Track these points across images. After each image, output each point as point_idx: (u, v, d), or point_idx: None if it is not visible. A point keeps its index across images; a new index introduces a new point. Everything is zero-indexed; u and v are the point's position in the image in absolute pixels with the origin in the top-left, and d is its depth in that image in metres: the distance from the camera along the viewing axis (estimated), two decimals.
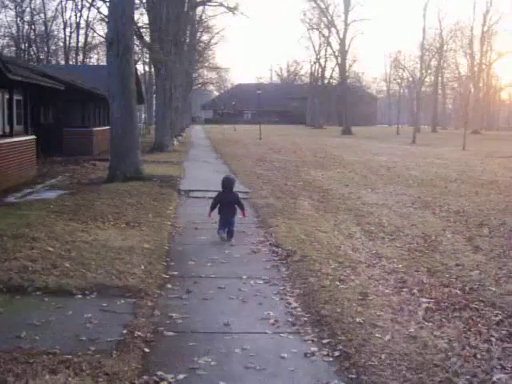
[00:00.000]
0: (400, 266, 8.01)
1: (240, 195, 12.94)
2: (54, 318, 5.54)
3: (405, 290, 6.86)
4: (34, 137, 17.09)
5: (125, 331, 5.24)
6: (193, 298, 6.37)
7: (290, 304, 6.26)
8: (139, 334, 5.19)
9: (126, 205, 11.88)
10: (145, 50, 35.71)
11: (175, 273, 7.34)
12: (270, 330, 5.51)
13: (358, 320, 5.64)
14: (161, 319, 5.68)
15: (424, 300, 6.49)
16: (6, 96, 16.16)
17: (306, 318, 5.83)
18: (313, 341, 5.28)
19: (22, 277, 6.60)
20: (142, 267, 7.21)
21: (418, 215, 12.30)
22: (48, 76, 20.17)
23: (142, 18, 37.10)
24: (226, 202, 9.58)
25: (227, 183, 9.74)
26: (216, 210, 9.65)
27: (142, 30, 30.55)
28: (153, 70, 35.58)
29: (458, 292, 6.86)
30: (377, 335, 5.31)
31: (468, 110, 68.28)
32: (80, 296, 6.22)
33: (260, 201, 13.39)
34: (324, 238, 9.56)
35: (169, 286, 6.78)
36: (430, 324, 5.70)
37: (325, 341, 5.25)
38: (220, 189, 9.87)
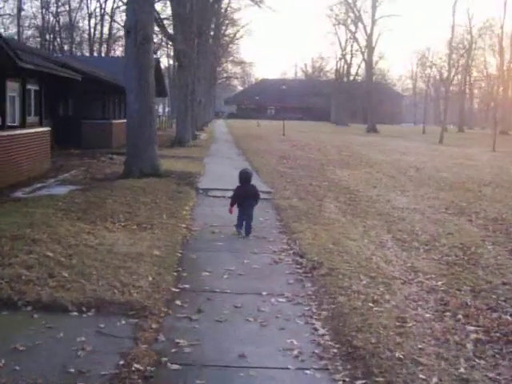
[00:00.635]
0: (439, 283, 7.11)
1: (262, 195, 12.22)
2: (41, 342, 4.75)
3: (448, 314, 5.97)
4: (48, 128, 16.41)
5: (122, 362, 4.43)
6: (204, 319, 5.52)
7: (316, 330, 5.39)
8: (138, 366, 4.36)
9: (140, 203, 11.10)
10: (169, 42, 34.87)
11: (186, 286, 6.50)
12: (293, 364, 4.64)
13: (397, 355, 4.76)
14: (165, 346, 4.84)
15: (471, 328, 5.60)
16: (20, 86, 15.47)
17: (335, 350, 4.96)
18: (344, 381, 4.42)
19: (14, 287, 5.83)
20: (150, 278, 6.39)
21: (454, 222, 11.36)
22: (65, 66, 19.45)
23: (165, 10, 36.32)
24: (246, 195, 9.52)
25: (245, 176, 9.72)
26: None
27: (165, 22, 29.86)
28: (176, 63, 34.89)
29: (510, 318, 5.95)
30: (421, 376, 4.43)
31: (497, 109, 66.54)
32: (76, 313, 5.43)
33: (283, 202, 12.52)
34: (353, 247, 8.67)
35: (178, 302, 5.93)
36: (483, 362, 4.81)
37: (359, 382, 4.38)
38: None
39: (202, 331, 5.23)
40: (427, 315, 5.88)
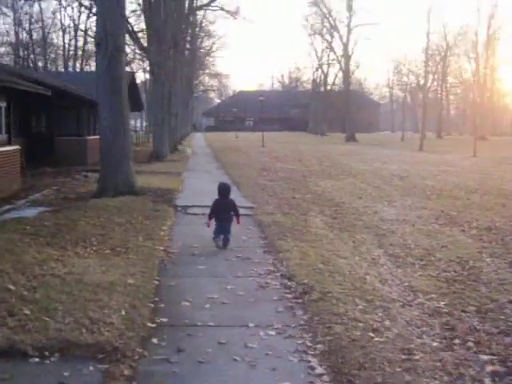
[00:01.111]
0: (442, 303, 6.51)
1: (243, 211, 11.63)
2: None
3: (456, 341, 5.36)
4: (17, 147, 15.63)
5: None
6: (185, 360, 4.83)
7: (313, 369, 4.73)
8: None
9: (114, 225, 10.40)
10: (144, 56, 34.17)
11: (164, 320, 5.80)
12: None
13: None
14: None
15: (485, 358, 5.00)
16: None
17: None
18: None
19: None
20: (123, 312, 5.70)
21: (446, 234, 10.81)
22: (34, 81, 18.69)
23: (138, 22, 35.65)
24: (223, 209, 9.33)
25: (223, 189, 9.54)
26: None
27: (139, 35, 29.22)
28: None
29: None
30: None
31: (474, 115, 66.79)
32: (36, 359, 4.72)
33: (266, 218, 11.87)
34: (344, 265, 8.05)
35: (154, 340, 5.24)
36: None
37: None
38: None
39: (183, 376, 4.55)
40: (434, 344, 5.27)
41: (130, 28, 24.82)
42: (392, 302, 6.52)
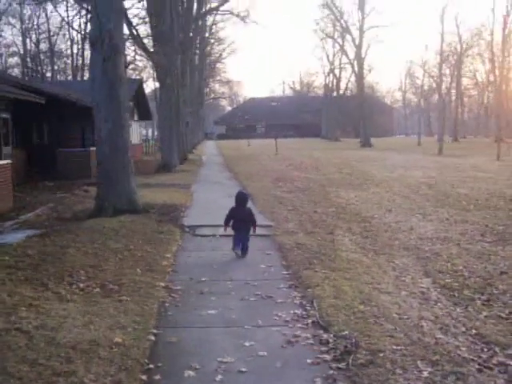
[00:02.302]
0: None
1: (260, 231, 10.11)
2: None
3: None
4: (7, 161, 14.10)
5: None
6: None
7: None
8: None
9: (109, 252, 8.83)
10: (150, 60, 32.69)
11: None
12: None
13: None
14: None
15: None
16: None
17: None
18: None
19: None
20: None
21: (500, 255, 9.15)
22: (27, 89, 17.21)
23: (146, 27, 34.17)
24: (240, 218, 9.16)
25: (241, 198, 9.36)
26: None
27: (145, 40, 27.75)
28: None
29: None
30: None
31: (496, 117, 64.89)
32: None
33: (287, 239, 10.22)
34: (391, 305, 6.42)
35: None
36: None
37: None
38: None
39: None
40: None
41: (135, 31, 23.36)
42: (465, 363, 4.89)
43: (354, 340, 5.24)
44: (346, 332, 5.47)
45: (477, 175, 23.72)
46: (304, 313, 6.23)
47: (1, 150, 14.26)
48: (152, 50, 25.49)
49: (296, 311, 6.28)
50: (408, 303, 6.58)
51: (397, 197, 16.55)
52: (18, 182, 20.99)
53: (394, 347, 5.13)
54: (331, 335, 5.48)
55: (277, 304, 6.57)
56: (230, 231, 9.30)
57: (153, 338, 5.43)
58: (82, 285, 7.15)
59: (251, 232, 9.24)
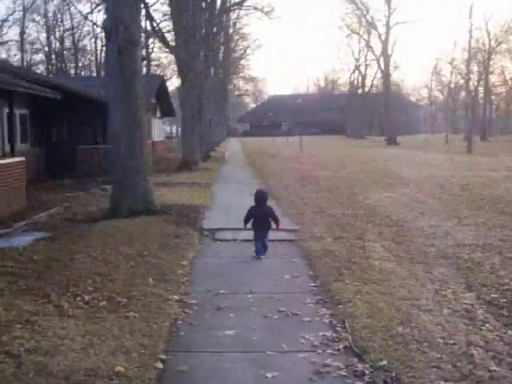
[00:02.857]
0: None
1: (285, 235, 9.40)
2: None
3: None
4: (21, 159, 13.48)
5: None
6: None
7: None
8: None
9: (121, 258, 8.15)
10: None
11: None
12: None
13: None
14: None
15: None
16: None
17: None
18: None
19: None
20: None
21: None
22: (45, 84, 16.63)
23: (168, 21, 33.52)
24: (260, 217, 8.94)
25: (260, 197, 9.10)
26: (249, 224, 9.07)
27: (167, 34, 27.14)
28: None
29: None
30: None
31: None
32: None
33: (314, 245, 9.45)
34: (433, 327, 5.62)
35: None
36: None
37: None
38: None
39: None
40: None
41: (156, 25, 22.69)
42: None
43: (394, 373, 4.46)
44: (385, 362, 4.69)
45: (510, 175, 22.68)
46: (335, 335, 5.46)
47: (13, 146, 13.67)
48: (174, 44, 24.84)
49: (325, 333, 5.51)
50: (452, 324, 5.78)
51: (428, 198, 15.68)
52: (35, 180, 20.52)
53: (443, 383, 4.34)
54: (367, 365, 4.70)
55: (303, 323, 5.81)
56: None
57: (160, 365, 4.69)
58: (87, 297, 6.46)
59: (275, 229, 9.13)
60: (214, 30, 33.46)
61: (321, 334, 5.49)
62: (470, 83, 75.21)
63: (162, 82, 36.30)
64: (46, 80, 19.77)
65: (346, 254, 8.74)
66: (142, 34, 17.39)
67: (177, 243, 9.24)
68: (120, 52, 10.97)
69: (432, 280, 7.52)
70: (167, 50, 25.36)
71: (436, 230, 11.00)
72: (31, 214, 12.80)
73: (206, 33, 28.36)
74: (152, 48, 50.03)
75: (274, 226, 9.05)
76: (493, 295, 6.87)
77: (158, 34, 22.74)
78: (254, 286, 7.08)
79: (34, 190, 18.23)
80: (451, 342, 5.26)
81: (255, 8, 41.05)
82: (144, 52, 24.85)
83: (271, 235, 9.73)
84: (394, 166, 28.41)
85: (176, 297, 6.53)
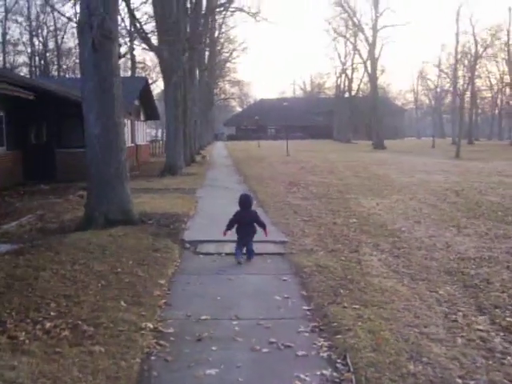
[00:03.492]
0: None
1: (273, 248, 8.67)
2: None
3: None
4: None
5: None
6: None
7: None
8: None
9: (91, 276, 7.29)
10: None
11: None
12: None
13: None
14: None
15: None
16: None
17: None
18: None
19: None
20: None
21: None
22: (18, 84, 15.70)
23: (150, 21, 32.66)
24: (245, 222, 8.75)
25: (244, 200, 8.96)
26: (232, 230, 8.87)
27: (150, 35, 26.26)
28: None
29: None
30: None
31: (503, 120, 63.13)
32: None
33: (306, 260, 8.61)
34: (447, 361, 4.84)
35: None
36: None
37: None
38: None
39: None
40: None
41: (138, 25, 21.86)
42: None
43: None
44: None
45: (503, 180, 22.08)
46: (335, 374, 4.64)
47: None
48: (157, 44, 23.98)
49: (324, 371, 4.69)
50: (469, 358, 4.99)
51: (423, 205, 14.93)
52: (11, 185, 19.57)
53: None
54: None
55: (298, 359, 4.98)
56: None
57: None
58: (48, 324, 5.61)
59: (264, 239, 8.98)
60: (199, 29, 32.54)
61: (318, 372, 4.67)
62: (458, 87, 74.77)
63: (145, 83, 35.35)
64: (19, 79, 18.80)
65: (341, 271, 7.93)
66: (123, 31, 16.51)
67: (155, 258, 8.38)
68: (95, 48, 10.10)
69: (439, 301, 6.73)
70: (149, 49, 24.32)
71: (435, 241, 10.24)
72: (0, 223, 11.90)
73: (191, 33, 27.47)
74: (134, 48, 49.26)
75: (262, 233, 8.87)
76: (508, 319, 6.10)
77: (139, 32, 21.84)
78: (240, 310, 6.24)
79: (9, 196, 17.33)
80: (472, 383, 4.47)
81: (241, 10, 40.35)
82: (126, 51, 23.91)
83: (259, 248, 8.98)
84: (383, 170, 27.73)
85: (150, 325, 5.67)
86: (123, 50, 24.41)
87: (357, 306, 6.29)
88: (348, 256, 8.92)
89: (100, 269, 7.63)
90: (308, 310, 6.34)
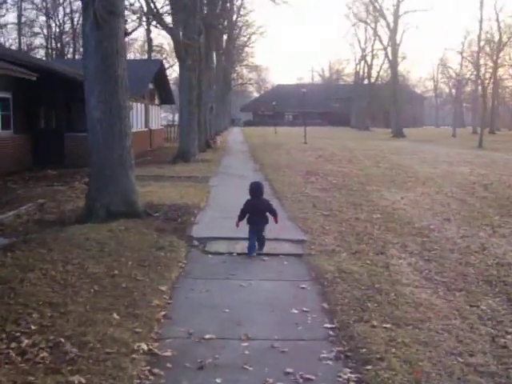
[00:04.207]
0: None
1: (289, 248, 7.78)
2: None
3: None
4: None
5: None
6: None
7: None
8: None
9: (84, 279, 6.45)
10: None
11: None
12: None
13: None
14: None
15: None
16: None
17: None
18: None
19: None
20: None
21: None
22: (21, 63, 14.84)
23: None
24: (256, 211, 8.35)
25: (255, 189, 8.55)
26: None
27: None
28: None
29: None
30: None
31: None
32: None
33: (327, 262, 7.67)
34: None
35: None
36: None
37: None
38: None
39: None
40: None
41: (152, 3, 20.90)
42: None
43: None
44: None
45: None
46: None
47: None
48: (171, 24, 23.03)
49: None
50: None
51: (451, 200, 13.93)
52: (17, 171, 18.83)
53: None
54: None
55: None
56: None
57: None
58: (26, 341, 4.78)
59: (275, 224, 8.54)
60: (217, 11, 31.50)
61: None
62: (480, 75, 73.05)
63: (161, 66, 34.43)
64: (24, 59, 17.96)
65: (367, 278, 6.99)
66: (128, 6, 15.59)
67: (158, 258, 7.50)
68: (99, 24, 9.20)
69: (482, 318, 5.80)
70: (162, 28, 23.29)
71: (469, 243, 9.27)
72: None
73: (208, 14, 26.46)
74: (150, 30, 48.16)
75: (272, 221, 8.47)
76: None
77: (151, 8, 20.88)
78: (251, 327, 5.34)
79: (13, 181, 16.58)
80: None
81: None
82: (134, 28, 22.96)
83: (274, 247, 8.11)
84: (405, 160, 26.61)
85: (144, 346, 4.78)
86: (130, 26, 23.22)
87: (388, 325, 5.37)
88: (374, 259, 7.99)
89: (95, 270, 6.78)
90: (331, 328, 5.40)
